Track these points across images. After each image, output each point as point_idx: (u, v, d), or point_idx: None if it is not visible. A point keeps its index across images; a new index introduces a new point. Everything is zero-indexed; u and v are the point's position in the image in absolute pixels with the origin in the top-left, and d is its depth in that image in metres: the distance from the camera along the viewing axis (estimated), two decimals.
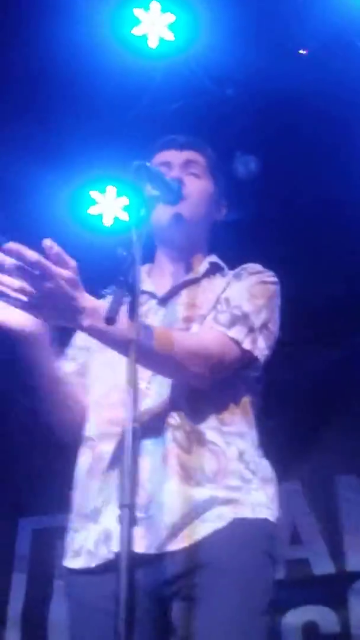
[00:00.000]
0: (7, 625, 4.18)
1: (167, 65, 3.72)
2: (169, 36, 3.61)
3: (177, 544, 1.87)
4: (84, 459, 2.08)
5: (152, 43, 3.62)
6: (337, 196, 3.86)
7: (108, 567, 1.85)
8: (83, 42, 3.61)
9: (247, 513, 1.93)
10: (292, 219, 3.93)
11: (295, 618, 3.76)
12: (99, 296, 1.80)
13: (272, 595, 1.91)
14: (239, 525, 1.90)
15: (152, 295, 2.23)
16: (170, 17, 3.56)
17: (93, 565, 1.91)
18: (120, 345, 1.78)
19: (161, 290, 2.22)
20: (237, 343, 2.04)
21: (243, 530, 1.90)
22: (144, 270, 2.27)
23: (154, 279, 2.28)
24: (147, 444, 1.93)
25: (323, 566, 3.93)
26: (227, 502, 1.92)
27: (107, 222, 4.16)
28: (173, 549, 1.86)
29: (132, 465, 1.57)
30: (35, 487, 4.35)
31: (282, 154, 3.84)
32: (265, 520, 1.96)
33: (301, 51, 3.67)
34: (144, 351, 1.84)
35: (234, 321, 2.06)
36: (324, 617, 3.80)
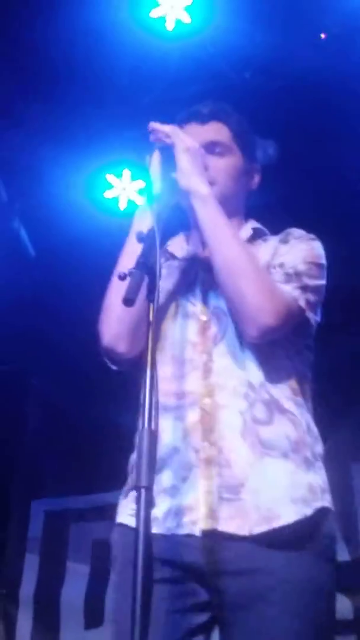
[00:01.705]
0: (20, 606, 4.21)
1: (184, 48, 3.70)
2: (186, 18, 3.58)
3: (267, 525, 1.82)
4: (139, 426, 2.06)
5: (170, 25, 3.59)
6: (355, 181, 3.83)
7: (171, 538, 1.84)
8: (101, 24, 3.60)
9: (319, 499, 1.90)
10: (312, 203, 3.90)
11: None
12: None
13: (333, 608, 1.90)
14: (318, 517, 1.87)
15: (195, 261, 2.17)
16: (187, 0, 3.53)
17: (155, 532, 1.82)
18: None
19: (202, 255, 2.16)
20: (295, 299, 2.00)
21: (319, 526, 1.87)
22: (181, 238, 2.25)
23: (194, 245, 2.22)
24: (226, 420, 1.91)
25: (338, 553, 3.92)
26: (307, 482, 1.89)
27: (122, 204, 4.16)
28: (262, 530, 1.82)
29: (149, 447, 1.57)
30: (49, 470, 4.37)
31: (300, 139, 3.80)
32: (330, 510, 1.93)
33: (321, 35, 3.64)
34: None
35: (289, 279, 2.02)
36: (338, 604, 3.78)
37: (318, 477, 1.94)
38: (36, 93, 3.80)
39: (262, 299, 1.92)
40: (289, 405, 1.96)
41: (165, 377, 1.95)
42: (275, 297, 1.95)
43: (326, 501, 1.92)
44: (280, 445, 1.90)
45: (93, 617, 4.00)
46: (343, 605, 3.79)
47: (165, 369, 1.97)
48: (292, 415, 1.95)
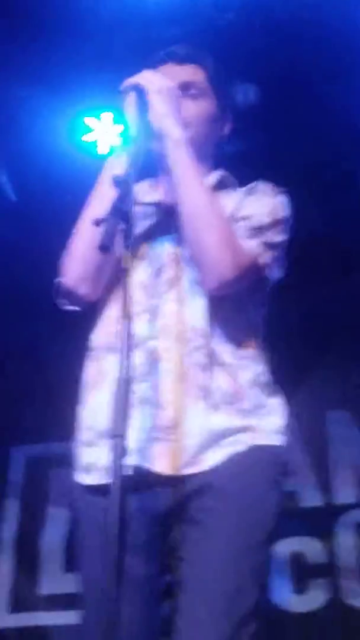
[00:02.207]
0: (1, 550, 4.25)
1: None
2: None
3: (195, 468, 1.87)
4: (89, 372, 2.06)
5: None
6: (339, 124, 3.79)
7: (124, 483, 1.86)
8: None
9: (262, 440, 1.94)
10: (293, 149, 3.87)
11: (283, 548, 3.82)
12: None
13: (273, 525, 1.91)
14: (254, 452, 1.91)
15: (158, 206, 2.16)
16: None
17: (109, 481, 1.89)
18: None
19: (166, 201, 2.14)
20: (257, 255, 2.01)
21: (256, 458, 1.91)
22: (146, 184, 2.23)
23: (159, 191, 2.21)
24: (166, 363, 1.93)
25: (311, 499, 3.99)
26: (245, 428, 1.93)
27: (102, 149, 4.09)
28: (190, 472, 1.87)
29: (124, 396, 1.57)
30: (29, 416, 4.38)
31: (283, 81, 3.75)
32: (279, 447, 1.97)
33: None
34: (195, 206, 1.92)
35: (252, 234, 2.02)
36: (311, 548, 3.88)
37: (262, 421, 1.96)
38: (12, 37, 3.69)
39: (224, 252, 1.92)
40: (230, 358, 1.98)
41: (114, 318, 1.97)
42: (237, 251, 1.95)
43: (272, 440, 1.96)
44: (212, 396, 1.92)
45: (73, 560, 4.05)
46: (316, 549, 3.88)
47: (114, 310, 2.00)
48: (230, 367, 1.97)
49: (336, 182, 4.00)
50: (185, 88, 2.14)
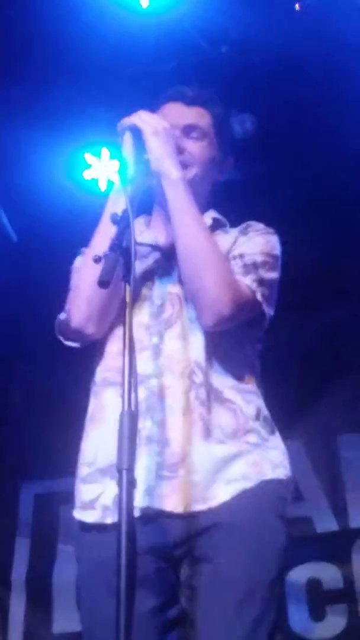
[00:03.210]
0: (12, 590, 4.22)
1: (160, 25, 3.67)
2: None
3: (205, 504, 1.87)
4: (90, 407, 2.09)
5: (144, 2, 3.56)
6: (332, 156, 3.83)
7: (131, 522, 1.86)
8: (76, 2, 3.56)
9: (268, 473, 1.94)
10: (286, 178, 3.90)
11: (299, 575, 3.79)
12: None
13: (283, 562, 1.92)
14: (262, 488, 1.91)
15: (154, 247, 2.18)
16: None
17: (109, 522, 1.89)
18: None
19: (162, 242, 2.18)
20: (252, 292, 2.04)
21: (264, 494, 1.91)
22: (141, 221, 2.25)
23: (154, 230, 2.23)
24: (169, 400, 1.94)
25: (326, 524, 3.96)
26: (251, 462, 1.93)
27: (102, 185, 4.14)
28: (200, 509, 1.86)
29: (131, 429, 1.58)
30: (38, 451, 4.38)
31: (277, 112, 3.79)
32: (282, 480, 1.97)
33: (296, 6, 3.62)
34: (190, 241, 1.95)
35: (247, 271, 2.06)
36: (327, 573, 3.84)
37: (267, 455, 1.98)
38: (12, 74, 3.76)
39: (221, 289, 1.95)
40: (230, 394, 2.00)
41: (114, 353, 2.00)
42: (233, 288, 1.98)
43: (278, 474, 1.97)
44: (215, 434, 1.93)
45: None
46: (332, 575, 3.84)
47: (115, 345, 2.02)
48: (231, 404, 1.98)
49: (335, 211, 4.02)
50: (189, 130, 2.19)
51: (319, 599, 3.80)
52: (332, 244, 4.01)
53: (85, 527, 1.97)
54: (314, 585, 3.80)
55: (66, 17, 3.57)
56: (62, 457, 4.06)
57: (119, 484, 1.53)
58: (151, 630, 1.86)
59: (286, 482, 1.99)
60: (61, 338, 2.18)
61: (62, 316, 2.15)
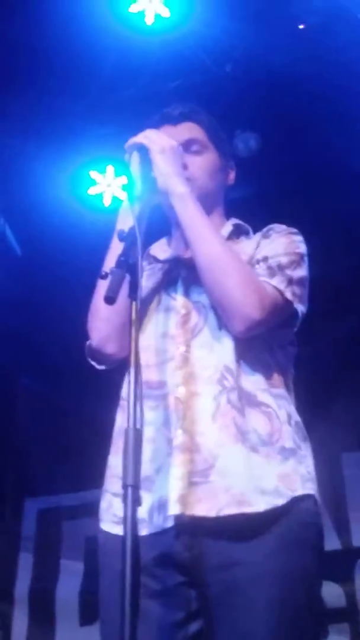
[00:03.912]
0: (15, 605, 4.21)
1: (164, 43, 3.70)
2: (165, 13, 3.58)
3: (239, 508, 1.83)
4: (118, 421, 2.06)
5: (149, 20, 3.59)
6: (340, 168, 3.84)
7: (160, 534, 1.84)
8: (80, 19, 3.59)
9: (299, 488, 1.90)
10: (296, 193, 3.91)
11: None
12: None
13: (314, 585, 1.89)
14: (294, 507, 1.87)
15: (177, 261, 2.19)
16: None
17: (145, 533, 1.85)
18: None
19: (184, 256, 2.17)
20: (280, 292, 2.02)
21: (295, 516, 1.87)
22: (163, 242, 2.27)
23: (175, 247, 2.23)
24: (198, 407, 1.92)
25: (329, 542, 3.94)
26: (283, 476, 1.89)
27: (107, 201, 4.16)
28: (231, 513, 1.83)
29: (135, 445, 1.58)
30: (40, 468, 4.38)
31: (282, 130, 3.81)
32: (313, 497, 1.93)
33: (300, 26, 3.64)
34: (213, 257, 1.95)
35: (273, 273, 2.04)
36: (330, 592, 3.82)
37: (300, 466, 1.94)
38: (17, 91, 3.78)
39: (246, 293, 1.94)
40: (263, 397, 1.97)
41: (143, 367, 1.96)
42: (259, 291, 1.97)
43: (308, 489, 1.92)
44: (249, 437, 1.91)
45: (88, 613, 4.00)
46: (335, 594, 3.82)
47: (143, 359, 1.98)
48: (266, 407, 1.96)
49: (342, 222, 4.04)
50: (188, 145, 2.20)
51: (321, 619, 3.78)
52: (343, 254, 4.03)
53: (115, 539, 1.89)
54: None
55: (72, 33, 3.61)
56: (66, 473, 4.10)
57: (124, 500, 1.52)
58: None
59: (316, 499, 1.94)
60: (94, 363, 2.16)
61: (89, 341, 2.14)
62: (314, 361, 4.14)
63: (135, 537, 1.49)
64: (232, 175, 2.32)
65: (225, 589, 1.80)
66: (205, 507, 1.82)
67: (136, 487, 1.54)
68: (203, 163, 2.21)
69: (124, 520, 1.51)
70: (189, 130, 2.23)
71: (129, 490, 1.52)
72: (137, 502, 1.54)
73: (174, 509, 1.81)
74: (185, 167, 2.11)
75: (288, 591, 1.80)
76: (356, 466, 4.07)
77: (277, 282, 2.02)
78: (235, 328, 1.96)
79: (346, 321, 4.22)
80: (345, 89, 3.64)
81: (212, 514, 1.82)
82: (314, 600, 1.89)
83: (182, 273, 2.13)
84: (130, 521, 1.51)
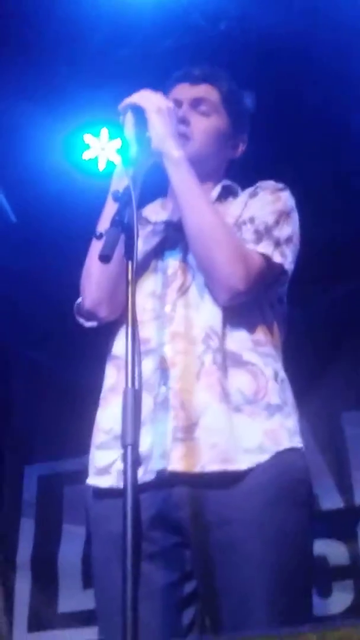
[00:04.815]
0: (18, 570, 4.25)
1: (157, 1, 3.64)
2: None
3: (223, 465, 1.85)
4: (110, 377, 2.08)
5: None
6: (337, 129, 3.80)
7: (142, 489, 1.83)
8: None
9: (284, 442, 1.92)
10: (291, 155, 3.88)
11: None
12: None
13: (311, 551, 1.91)
14: (278, 461, 1.89)
15: (168, 223, 2.20)
16: None
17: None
18: None
19: (175, 218, 2.18)
20: (268, 257, 2.02)
21: (280, 469, 1.89)
22: (158, 203, 2.27)
23: (168, 209, 2.25)
24: (182, 365, 1.93)
25: (332, 501, 3.97)
26: (268, 431, 1.91)
27: (101, 165, 4.12)
28: (214, 469, 1.85)
29: (133, 404, 1.58)
30: (40, 433, 4.39)
31: (278, 89, 3.76)
32: (300, 450, 1.96)
33: None
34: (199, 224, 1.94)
35: (259, 237, 2.04)
36: (333, 550, 3.86)
37: (287, 420, 1.96)
38: (9, 54, 3.73)
39: (233, 265, 1.95)
40: (249, 356, 1.98)
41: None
42: (246, 262, 1.98)
43: (295, 442, 1.95)
44: (233, 399, 1.92)
45: (91, 576, 4.04)
46: (338, 551, 3.86)
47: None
48: (252, 366, 1.97)
49: (338, 183, 4.01)
50: (195, 104, 2.21)
51: (325, 576, 3.82)
52: (344, 218, 4.01)
53: (100, 493, 1.96)
54: (320, 562, 3.82)
55: None
56: (65, 438, 4.10)
57: (124, 459, 1.53)
58: (167, 606, 1.86)
59: (303, 452, 1.97)
60: (82, 320, 2.17)
61: (79, 300, 2.16)
62: (313, 321, 4.14)
63: (137, 499, 1.49)
64: (240, 149, 2.31)
65: (219, 548, 1.82)
66: (189, 463, 1.84)
67: (136, 447, 1.54)
68: (207, 124, 2.20)
69: (124, 480, 1.52)
70: (205, 91, 2.23)
71: (129, 450, 1.53)
72: (136, 461, 1.54)
73: (157, 464, 1.82)
74: (187, 122, 2.09)
75: (281, 548, 1.81)
76: (357, 425, 4.09)
77: (265, 246, 2.02)
78: (220, 297, 1.98)
79: (348, 282, 4.21)
80: (343, 45, 3.59)
81: (196, 469, 1.83)
82: (308, 557, 1.91)
83: (172, 235, 2.13)
84: (131, 483, 1.52)
